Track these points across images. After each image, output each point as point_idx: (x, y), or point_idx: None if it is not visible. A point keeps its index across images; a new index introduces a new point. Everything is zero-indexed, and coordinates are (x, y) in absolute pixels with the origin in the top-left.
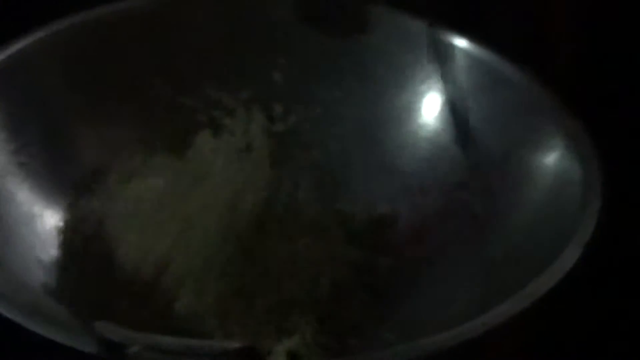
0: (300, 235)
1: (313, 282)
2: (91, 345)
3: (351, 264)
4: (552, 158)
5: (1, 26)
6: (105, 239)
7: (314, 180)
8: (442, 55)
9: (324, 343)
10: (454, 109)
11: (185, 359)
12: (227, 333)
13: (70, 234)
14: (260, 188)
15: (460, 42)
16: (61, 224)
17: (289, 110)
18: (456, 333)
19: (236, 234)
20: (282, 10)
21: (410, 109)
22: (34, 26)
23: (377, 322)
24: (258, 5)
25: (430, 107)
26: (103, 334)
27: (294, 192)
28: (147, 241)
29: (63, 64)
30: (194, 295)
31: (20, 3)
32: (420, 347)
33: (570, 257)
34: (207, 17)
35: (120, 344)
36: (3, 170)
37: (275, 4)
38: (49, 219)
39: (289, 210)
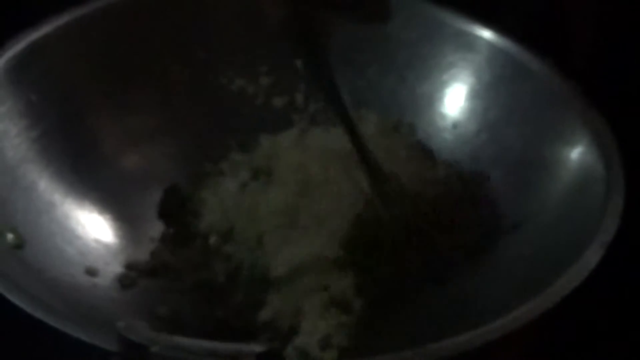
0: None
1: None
2: (113, 343)
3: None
4: (574, 153)
5: (20, 14)
6: None
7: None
8: (464, 45)
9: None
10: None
11: None
12: None
13: None
14: None
15: (483, 33)
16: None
17: (309, 98)
18: (474, 335)
19: None
20: None
21: (431, 99)
22: (53, 13)
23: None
24: None
25: (452, 97)
26: (125, 334)
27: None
28: None
29: (82, 51)
30: None
31: None
32: (434, 352)
33: (592, 257)
34: (227, 4)
35: (141, 344)
36: (24, 158)
37: None
38: (69, 208)
39: None
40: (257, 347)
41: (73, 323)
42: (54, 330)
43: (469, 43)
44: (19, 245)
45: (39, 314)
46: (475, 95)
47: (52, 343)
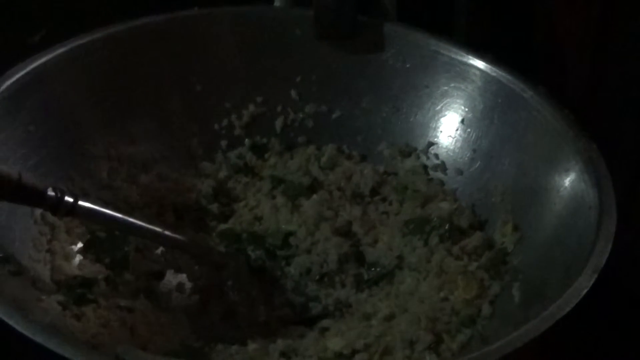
0: None
1: None
2: None
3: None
4: (567, 181)
5: (20, 42)
6: None
7: None
8: (458, 75)
9: None
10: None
11: None
12: None
13: None
14: None
15: (477, 62)
16: None
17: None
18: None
19: None
20: (300, 29)
21: (426, 128)
22: (54, 43)
23: None
24: (276, 25)
25: (445, 126)
26: (123, 357)
27: None
28: None
29: (81, 81)
30: None
31: (39, 20)
32: None
33: (585, 281)
34: (225, 35)
35: None
36: None
37: (294, 23)
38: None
39: None
40: None
41: (73, 348)
42: (53, 354)
43: (463, 72)
44: (17, 272)
45: (39, 339)
46: (468, 123)
47: None
